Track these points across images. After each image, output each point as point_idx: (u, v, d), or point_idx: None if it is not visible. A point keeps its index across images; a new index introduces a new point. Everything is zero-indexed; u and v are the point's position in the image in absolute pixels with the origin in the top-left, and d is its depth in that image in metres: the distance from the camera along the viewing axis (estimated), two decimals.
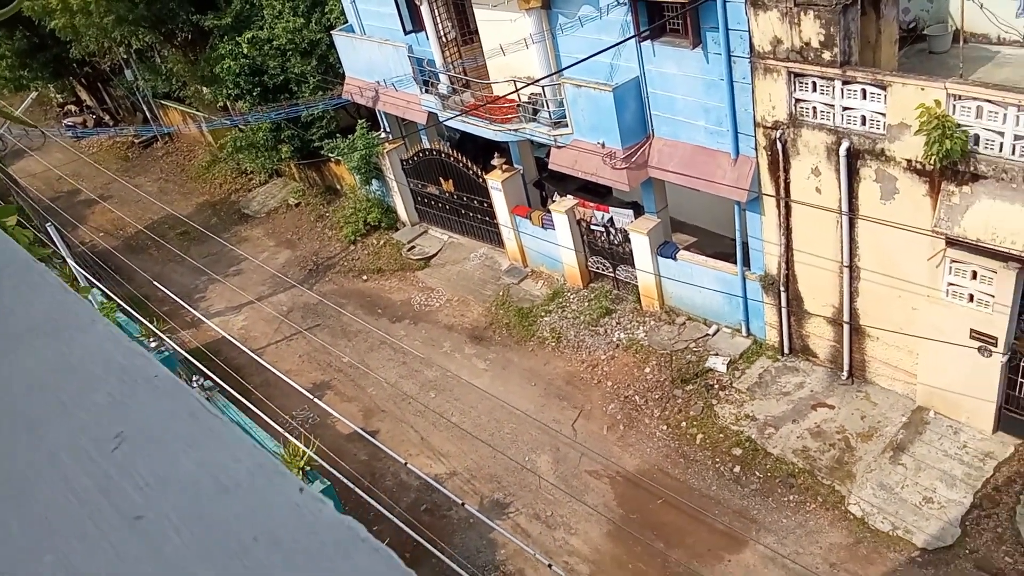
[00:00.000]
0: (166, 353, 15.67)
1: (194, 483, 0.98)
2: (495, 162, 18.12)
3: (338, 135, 21.56)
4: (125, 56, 30.24)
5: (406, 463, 11.25)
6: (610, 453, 13.95)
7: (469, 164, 18.74)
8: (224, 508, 0.95)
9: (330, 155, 21.55)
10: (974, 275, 11.09)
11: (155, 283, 18.87)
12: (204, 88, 25.16)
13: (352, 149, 20.40)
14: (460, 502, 11.60)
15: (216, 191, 27.02)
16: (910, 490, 11.90)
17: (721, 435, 13.60)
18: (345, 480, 11.71)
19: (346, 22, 20.30)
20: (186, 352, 15.53)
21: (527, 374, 16.09)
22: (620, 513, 12.98)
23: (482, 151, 19.24)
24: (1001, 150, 10.14)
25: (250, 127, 22.82)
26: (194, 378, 14.44)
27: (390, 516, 10.90)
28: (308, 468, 11.50)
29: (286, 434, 11.88)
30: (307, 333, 18.68)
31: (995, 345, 11.32)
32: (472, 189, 19.08)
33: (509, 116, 16.32)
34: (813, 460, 12.75)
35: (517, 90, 14.68)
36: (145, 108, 32.00)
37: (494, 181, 18.05)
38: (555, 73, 14.84)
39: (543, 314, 17.28)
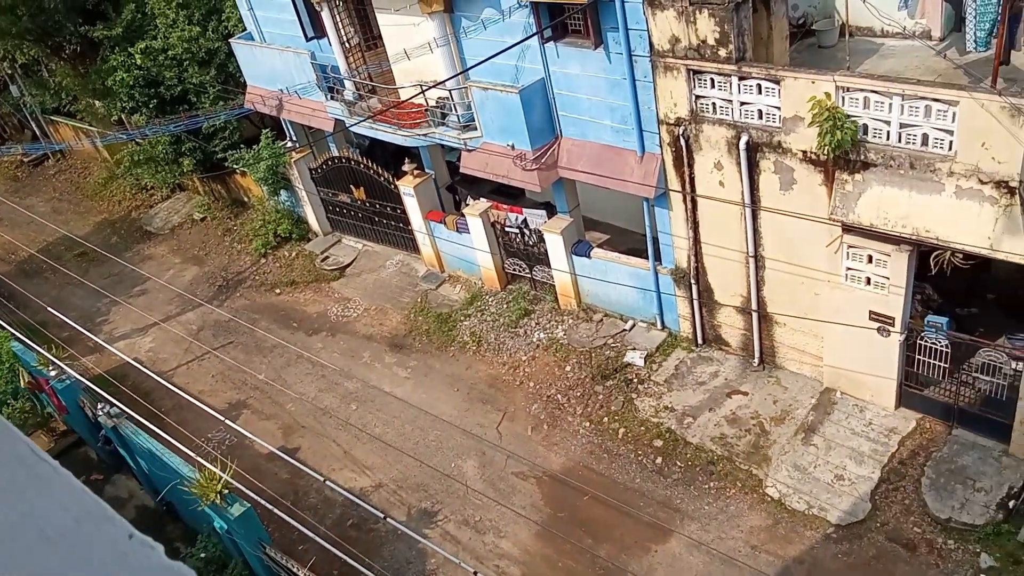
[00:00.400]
0: (67, 382, 14.93)
1: (17, 534, 0.90)
2: (406, 168, 17.95)
3: (242, 146, 20.96)
4: (9, 71, 28.70)
5: (325, 480, 10.99)
6: (535, 453, 13.99)
7: (380, 171, 18.50)
8: (47, 560, 0.88)
9: (235, 167, 20.93)
10: (870, 259, 11.60)
11: (51, 309, 17.92)
12: (97, 102, 24.06)
13: (257, 159, 19.86)
14: (383, 516, 11.40)
15: (115, 208, 25.88)
16: (822, 469, 12.36)
17: (642, 428, 13.83)
18: (265, 503, 11.37)
19: (244, 30, 19.77)
20: (89, 380, 14.82)
21: (449, 380, 15.99)
22: (548, 512, 13.04)
23: (393, 157, 19.03)
24: (888, 138, 10.64)
25: (148, 140, 21.93)
26: (100, 406, 13.79)
27: (313, 536, 10.64)
28: (226, 492, 11.12)
29: (200, 459, 11.44)
30: (219, 352, 18.07)
31: (892, 325, 11.88)
32: (384, 196, 18.86)
33: (418, 121, 16.20)
34: (731, 446, 13.09)
35: (424, 91, 14.57)
36: (34, 125, 30.49)
37: (406, 187, 17.88)
38: (459, 74, 14.81)
39: (462, 318, 17.22)
